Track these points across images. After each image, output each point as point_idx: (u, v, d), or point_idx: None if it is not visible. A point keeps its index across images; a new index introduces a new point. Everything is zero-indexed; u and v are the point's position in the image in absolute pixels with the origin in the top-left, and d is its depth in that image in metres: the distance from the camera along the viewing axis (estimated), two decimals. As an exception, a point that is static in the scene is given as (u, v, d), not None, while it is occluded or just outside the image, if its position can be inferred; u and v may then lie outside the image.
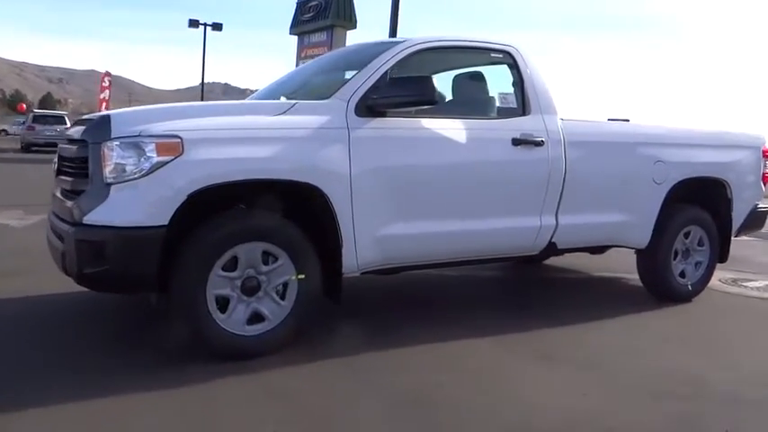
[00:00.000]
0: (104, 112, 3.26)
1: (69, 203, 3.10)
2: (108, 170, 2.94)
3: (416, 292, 4.86)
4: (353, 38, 24.55)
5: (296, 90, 4.31)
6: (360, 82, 3.49)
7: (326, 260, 3.34)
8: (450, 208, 3.69)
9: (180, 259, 2.97)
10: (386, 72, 3.55)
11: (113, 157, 2.93)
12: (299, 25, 25.42)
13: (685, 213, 4.76)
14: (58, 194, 3.41)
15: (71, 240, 2.95)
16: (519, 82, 4.05)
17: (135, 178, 2.91)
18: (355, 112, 3.40)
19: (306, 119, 3.31)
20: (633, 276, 5.11)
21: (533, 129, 3.95)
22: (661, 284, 4.78)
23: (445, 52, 3.98)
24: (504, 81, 4.18)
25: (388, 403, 2.77)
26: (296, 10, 25.67)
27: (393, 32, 13.83)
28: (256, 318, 3.21)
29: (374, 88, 3.48)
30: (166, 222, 2.92)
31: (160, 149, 2.92)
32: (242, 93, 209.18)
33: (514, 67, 4.07)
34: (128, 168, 2.92)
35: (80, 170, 3.11)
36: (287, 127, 3.24)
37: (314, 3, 24.58)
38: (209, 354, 3.12)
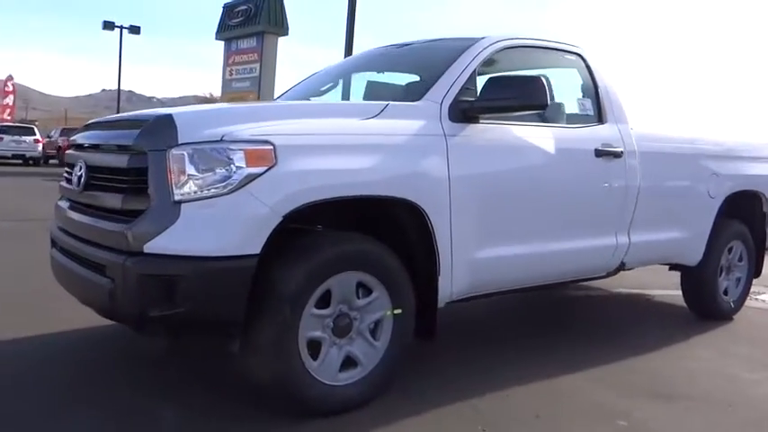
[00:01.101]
0: (160, 111, 2.61)
1: (112, 226, 2.44)
2: (178, 185, 2.31)
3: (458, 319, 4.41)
4: (284, 46, 23.88)
5: (345, 92, 3.77)
6: (449, 82, 3.01)
7: (418, 291, 2.84)
8: (543, 227, 3.28)
9: (267, 296, 2.38)
10: (474, 72, 3.10)
11: (186, 168, 2.31)
12: (226, 30, 24.43)
13: (731, 228, 4.58)
14: (81, 214, 2.72)
15: (130, 275, 2.29)
16: (592, 87, 3.71)
17: (216, 195, 2.31)
18: (449, 116, 2.92)
19: (400, 124, 2.79)
20: (651, 292, 5.08)
21: (611, 138, 3.61)
22: (708, 302, 4.57)
23: (523, 52, 3.57)
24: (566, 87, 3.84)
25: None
26: (222, 14, 24.67)
27: (349, 46, 13.28)
28: (347, 363, 2.66)
29: (464, 90, 3.02)
30: (258, 251, 2.33)
31: (250, 159, 2.33)
32: (148, 101, 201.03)
33: (587, 69, 3.73)
34: (206, 182, 2.31)
35: (128, 184, 2.45)
36: (381, 133, 2.72)
37: (242, 7, 23.69)
38: (296, 410, 2.54)
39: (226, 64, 25.04)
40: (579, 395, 2.98)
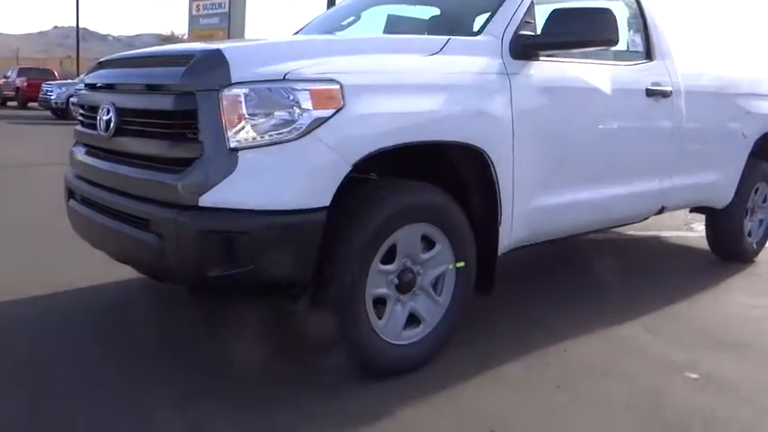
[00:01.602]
0: (207, 46, 2.31)
1: (157, 176, 2.18)
2: (233, 130, 2.05)
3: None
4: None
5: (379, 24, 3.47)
6: (509, 14, 2.75)
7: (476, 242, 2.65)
8: (599, 172, 3.11)
9: (333, 252, 2.17)
10: (532, 3, 2.84)
11: (243, 111, 2.05)
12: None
13: (758, 169, 4.48)
14: (111, 162, 2.44)
15: (186, 231, 2.05)
16: (641, 21, 3.48)
17: (279, 141, 2.06)
18: (510, 52, 2.68)
19: (463, 61, 2.55)
20: (661, 233, 5.16)
21: (660, 77, 3.42)
22: (733, 245, 4.51)
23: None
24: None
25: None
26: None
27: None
28: (410, 320, 2.49)
29: (523, 23, 2.77)
30: (328, 203, 2.10)
31: (317, 100, 2.07)
32: (103, 39, 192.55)
33: (636, 2, 3.49)
34: (267, 127, 2.06)
35: (174, 129, 2.18)
36: (447, 72, 2.47)
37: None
38: (361, 372, 2.38)
39: (192, -1, 23.88)
40: (639, 347, 2.87)
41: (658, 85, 3.37)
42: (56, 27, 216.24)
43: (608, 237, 5.34)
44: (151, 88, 2.32)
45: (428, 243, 2.47)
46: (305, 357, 2.54)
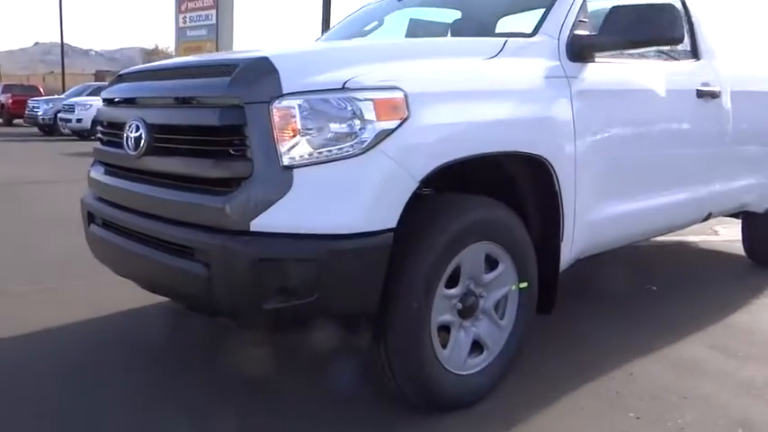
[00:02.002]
0: (252, 54, 2.09)
1: (200, 199, 1.96)
2: (287, 146, 1.84)
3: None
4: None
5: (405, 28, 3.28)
6: (563, 13, 2.57)
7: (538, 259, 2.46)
8: (656, 179, 2.94)
9: (398, 277, 1.96)
10: (584, 1, 2.66)
11: (297, 124, 1.84)
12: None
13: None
14: (143, 184, 2.22)
15: (238, 260, 1.83)
16: (686, 18, 3.31)
17: (339, 157, 1.85)
18: (567, 54, 2.50)
19: (522, 64, 2.36)
20: (689, 238, 5.02)
21: (709, 77, 3.25)
22: (772, 249, 4.35)
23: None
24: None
25: None
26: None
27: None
28: (473, 348, 2.29)
29: (578, 23, 2.59)
30: (395, 224, 1.90)
31: (381, 110, 1.87)
32: (85, 54, 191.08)
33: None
34: (324, 142, 1.85)
35: (219, 146, 1.96)
36: (507, 76, 2.28)
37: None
38: (426, 407, 2.17)
39: (178, 11, 23.55)
40: (708, 365, 2.68)
41: (707, 85, 3.20)
42: (36, 43, 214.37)
43: (635, 244, 5.17)
44: (188, 102, 2.09)
45: (490, 263, 2.27)
46: (359, 391, 2.32)
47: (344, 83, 1.86)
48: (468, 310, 2.22)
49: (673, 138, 2.98)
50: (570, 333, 2.98)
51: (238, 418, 2.17)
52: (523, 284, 2.36)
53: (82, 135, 16.19)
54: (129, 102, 2.41)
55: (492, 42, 2.38)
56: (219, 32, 21.90)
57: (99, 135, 2.64)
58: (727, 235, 5.34)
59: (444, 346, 2.16)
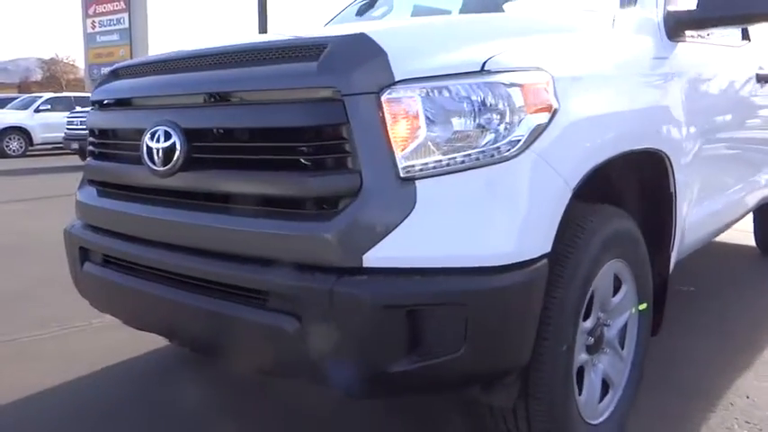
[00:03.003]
0: (340, 31, 1.58)
1: (281, 227, 1.46)
2: (407, 151, 1.37)
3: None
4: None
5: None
6: (657, -15, 2.21)
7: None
8: (736, 170, 2.67)
9: (546, 314, 1.51)
10: None
11: (421, 120, 1.38)
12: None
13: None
14: (181, 209, 1.67)
15: (355, 308, 1.34)
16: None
17: (484, 163, 1.39)
18: (666, 33, 2.14)
19: (636, 42, 1.98)
20: None
21: (763, 60, 3.00)
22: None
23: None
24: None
25: None
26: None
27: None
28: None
29: (668, -4, 2.24)
30: (549, 248, 1.45)
31: (531, 99, 1.43)
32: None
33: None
34: (460, 143, 1.39)
35: (301, 155, 1.45)
36: (632, 58, 1.91)
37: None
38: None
39: (86, 15, 22.09)
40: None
41: (762, 69, 2.94)
42: None
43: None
44: (259, 97, 1.56)
45: (615, 285, 1.87)
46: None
47: (483, 63, 1.40)
48: (595, 344, 1.81)
49: (746, 126, 2.70)
50: (669, 349, 2.62)
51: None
52: (643, 306, 1.97)
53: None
54: (144, 102, 1.85)
55: (602, 14, 1.98)
56: (133, 37, 20.69)
57: (91, 148, 2.06)
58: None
59: (581, 393, 1.74)
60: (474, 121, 1.38)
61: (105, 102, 2.00)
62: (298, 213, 1.45)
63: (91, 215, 2.02)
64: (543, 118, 1.43)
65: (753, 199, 3.09)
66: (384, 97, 1.38)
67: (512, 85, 1.39)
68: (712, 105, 2.35)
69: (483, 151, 1.38)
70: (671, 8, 2.20)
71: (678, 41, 2.19)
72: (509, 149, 1.38)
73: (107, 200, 1.93)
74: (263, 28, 9.81)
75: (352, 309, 1.35)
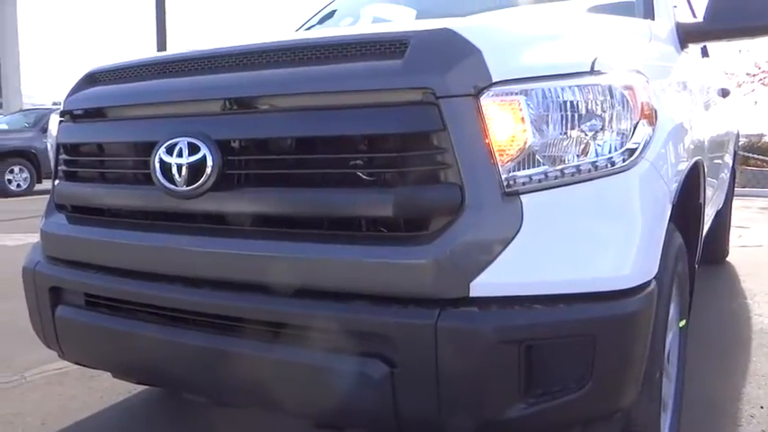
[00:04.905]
0: (422, 25, 1.36)
1: (351, 253, 1.23)
2: (511, 161, 1.20)
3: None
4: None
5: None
6: (665, -5, 2.18)
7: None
8: (714, 185, 2.69)
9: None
10: None
11: (528, 125, 1.21)
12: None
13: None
14: (207, 236, 1.39)
15: (464, 346, 1.14)
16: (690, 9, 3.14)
17: (599, 174, 1.24)
18: (679, 43, 2.12)
19: (670, 53, 1.92)
20: None
21: (719, 75, 3.11)
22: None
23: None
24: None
25: None
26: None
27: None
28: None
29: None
30: (656, 269, 1.32)
31: (641, 104, 1.29)
32: None
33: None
34: (572, 151, 1.23)
35: (385, 167, 1.24)
36: (672, 66, 1.84)
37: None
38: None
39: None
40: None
41: (722, 84, 3.05)
42: None
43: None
44: (311, 101, 1.30)
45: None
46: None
47: (592, 63, 1.25)
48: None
49: (717, 137, 2.75)
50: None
51: None
52: (683, 322, 1.91)
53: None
54: (149, 111, 1.53)
55: (641, 24, 1.90)
56: (2, 46, 19.09)
57: (64, 167, 1.70)
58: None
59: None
60: (585, 126, 1.23)
61: (83, 112, 1.66)
62: (383, 236, 1.23)
63: (66, 248, 1.66)
64: (651, 123, 1.30)
65: (713, 210, 3.18)
66: (483, 99, 1.20)
67: (626, 86, 1.26)
68: (704, 115, 2.36)
69: (595, 161, 1.23)
70: (679, 20, 2.20)
71: (683, 52, 2.19)
72: (625, 159, 1.24)
73: (92, 228, 1.60)
74: (160, 35, 9.23)
75: (461, 347, 1.15)
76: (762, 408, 2.24)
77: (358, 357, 1.21)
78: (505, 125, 1.21)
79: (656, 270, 1.30)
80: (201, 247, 1.38)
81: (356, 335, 1.21)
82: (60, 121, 1.73)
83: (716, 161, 2.81)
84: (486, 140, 1.20)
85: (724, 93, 2.99)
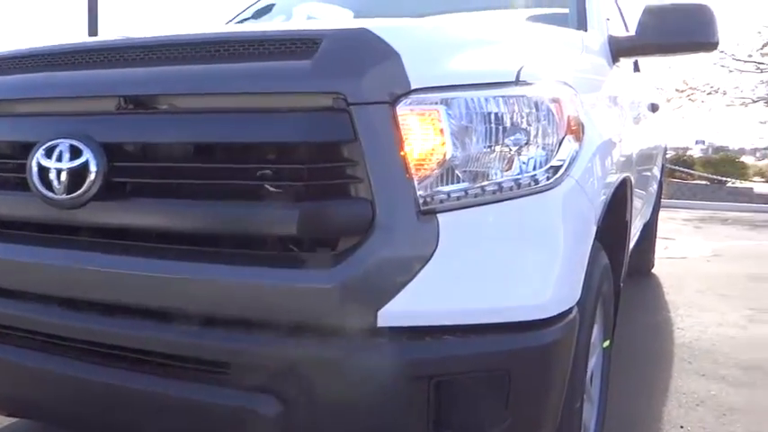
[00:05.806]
0: (338, 24, 1.23)
1: (246, 275, 1.10)
2: (428, 178, 1.10)
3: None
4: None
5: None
6: (597, 8, 2.13)
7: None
8: (642, 200, 2.67)
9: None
10: None
11: (447, 138, 1.11)
12: None
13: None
14: (94, 252, 1.23)
15: (371, 383, 1.03)
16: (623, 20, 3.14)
17: (521, 193, 1.15)
18: (612, 57, 2.07)
19: (601, 65, 1.87)
20: None
21: (650, 90, 3.13)
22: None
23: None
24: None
25: None
26: None
27: None
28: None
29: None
30: (578, 296, 1.24)
31: (568, 118, 1.21)
32: None
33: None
34: (493, 167, 1.14)
35: (297, 180, 1.10)
36: (603, 79, 1.78)
37: None
38: None
39: None
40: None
41: (653, 100, 3.06)
42: None
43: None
44: (210, 103, 1.16)
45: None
46: None
47: (517, 73, 1.16)
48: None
49: (647, 150, 2.75)
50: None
51: None
52: (606, 343, 1.86)
53: None
54: (26, 107, 1.35)
55: (573, 34, 1.83)
56: None
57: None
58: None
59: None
60: (509, 141, 1.13)
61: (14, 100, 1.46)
62: (286, 257, 1.10)
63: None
64: (578, 139, 1.23)
65: (641, 223, 3.19)
66: (399, 108, 1.09)
67: (552, 99, 1.17)
68: (634, 130, 2.34)
69: (518, 179, 1.14)
70: (613, 34, 2.16)
71: (615, 66, 2.15)
72: (549, 176, 1.15)
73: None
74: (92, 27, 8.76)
75: (366, 384, 1.03)
76: (681, 428, 2.22)
77: (248, 393, 1.08)
78: (423, 137, 1.10)
79: (578, 296, 1.23)
80: (80, 264, 1.21)
81: (248, 368, 1.08)
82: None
83: (645, 174, 2.81)
84: (402, 153, 1.09)
85: (654, 107, 2.99)
